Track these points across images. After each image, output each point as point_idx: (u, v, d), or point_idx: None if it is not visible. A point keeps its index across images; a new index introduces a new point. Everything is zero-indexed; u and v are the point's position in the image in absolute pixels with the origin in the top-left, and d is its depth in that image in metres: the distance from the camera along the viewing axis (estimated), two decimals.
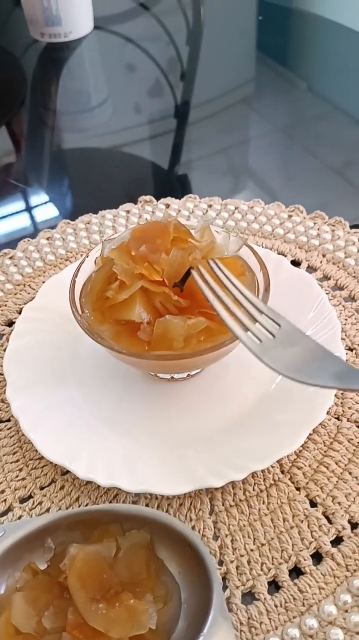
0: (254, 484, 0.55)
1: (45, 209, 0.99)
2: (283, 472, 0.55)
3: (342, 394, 0.65)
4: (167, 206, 0.89)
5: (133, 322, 0.52)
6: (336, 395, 0.64)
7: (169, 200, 0.90)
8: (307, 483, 0.54)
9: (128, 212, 0.89)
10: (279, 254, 0.81)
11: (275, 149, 1.05)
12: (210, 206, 0.89)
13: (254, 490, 0.54)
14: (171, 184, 1.05)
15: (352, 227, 0.85)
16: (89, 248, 0.82)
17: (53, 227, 0.87)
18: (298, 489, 0.54)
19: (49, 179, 1.08)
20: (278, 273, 0.73)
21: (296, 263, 0.80)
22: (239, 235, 0.65)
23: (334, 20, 1.37)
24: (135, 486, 0.51)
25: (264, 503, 0.53)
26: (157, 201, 0.90)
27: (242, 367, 0.65)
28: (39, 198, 1.02)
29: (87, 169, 1.11)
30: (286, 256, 0.80)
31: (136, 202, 0.90)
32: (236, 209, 0.88)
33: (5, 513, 0.54)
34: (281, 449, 0.56)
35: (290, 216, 0.86)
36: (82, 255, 0.82)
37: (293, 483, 0.54)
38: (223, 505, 0.54)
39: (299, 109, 1.16)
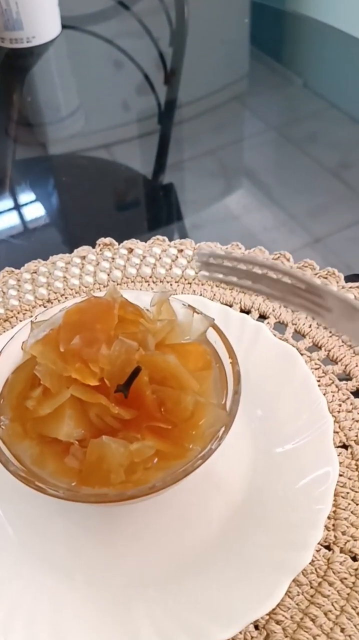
0: None
1: None
2: (256, 628, 0.42)
3: (334, 511, 0.52)
4: (130, 250, 0.75)
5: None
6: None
7: (131, 243, 0.76)
8: None
9: (83, 257, 0.75)
10: (260, 315, 0.67)
11: (268, 149, 1.00)
12: (180, 251, 0.75)
13: None
14: (154, 193, 0.95)
15: (347, 280, 0.71)
16: (32, 306, 0.68)
17: None
18: None
19: None
20: (255, 345, 0.59)
21: (280, 325, 0.66)
22: (203, 315, 0.51)
23: (326, 22, 1.24)
24: None
25: None
26: (119, 244, 0.76)
27: (209, 477, 0.52)
28: None
29: (48, 192, 0.97)
30: (267, 318, 0.66)
31: (93, 245, 0.76)
32: (210, 255, 0.74)
33: None
34: (253, 607, 0.43)
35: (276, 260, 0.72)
36: (25, 315, 0.68)
37: None
38: None
39: (294, 106, 1.10)
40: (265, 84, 1.16)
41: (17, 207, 0.93)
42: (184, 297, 0.62)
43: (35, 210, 0.93)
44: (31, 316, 0.53)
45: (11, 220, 0.91)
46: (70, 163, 1.04)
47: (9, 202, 0.94)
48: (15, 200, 0.95)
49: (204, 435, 0.44)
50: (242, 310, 0.68)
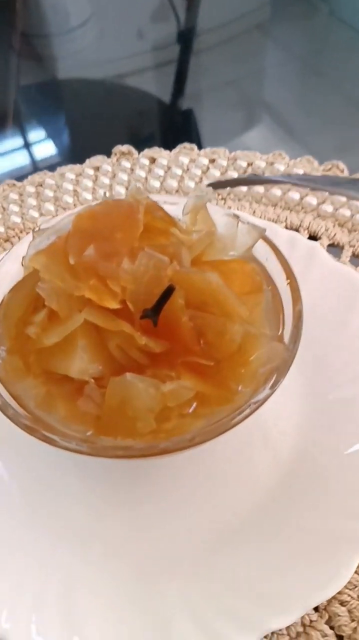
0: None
1: None
2: (316, 610, 0.37)
3: None
4: (152, 161, 0.63)
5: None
6: None
7: (154, 151, 0.64)
8: (354, 630, 0.34)
9: (97, 169, 0.63)
10: (309, 236, 0.56)
11: (292, 81, 0.92)
12: (212, 161, 0.63)
13: None
14: (169, 121, 0.85)
15: None
16: (37, 224, 0.57)
17: None
18: (340, 638, 0.35)
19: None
20: (309, 270, 0.49)
21: (334, 247, 0.55)
22: (251, 225, 0.40)
23: None
24: None
25: None
26: (139, 153, 0.64)
27: (254, 428, 0.42)
28: None
29: (56, 105, 0.84)
30: (319, 239, 0.55)
31: (109, 154, 0.64)
32: (249, 165, 0.62)
33: None
34: (315, 588, 0.34)
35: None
36: (28, 234, 0.57)
37: (332, 629, 0.35)
38: None
39: (320, 35, 1.05)
40: (289, 12, 1.08)
41: (21, 115, 0.81)
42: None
43: (41, 119, 0.80)
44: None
45: (13, 128, 0.78)
46: (82, 78, 0.91)
47: (26, 105, 0.83)
48: (29, 104, 0.83)
49: (256, 375, 0.34)
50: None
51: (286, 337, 0.36)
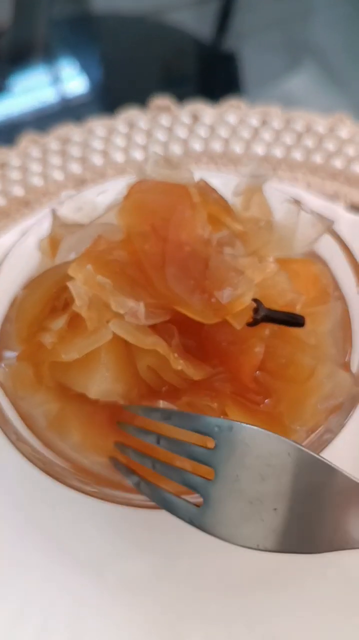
0: None
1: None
2: None
3: None
4: (195, 119, 0.55)
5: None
6: None
7: (197, 107, 0.56)
8: None
9: (131, 125, 0.55)
10: None
11: (342, 24, 0.81)
12: (264, 122, 0.55)
13: None
14: (210, 65, 0.75)
15: None
16: (60, 187, 0.51)
17: (9, 143, 0.55)
18: None
19: (15, 58, 0.73)
20: None
21: None
22: (317, 214, 0.32)
23: None
24: None
25: None
26: (179, 104, 0.56)
27: None
28: None
29: (88, 43, 0.75)
30: None
31: (144, 102, 0.56)
32: (308, 128, 0.54)
33: None
34: None
35: None
36: (50, 199, 0.51)
37: None
38: None
39: None
40: None
41: (50, 51, 0.72)
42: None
43: (71, 57, 0.72)
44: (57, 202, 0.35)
45: (40, 66, 0.70)
46: (118, 15, 0.81)
47: (40, 45, 0.73)
48: (48, 42, 0.74)
49: (317, 412, 0.28)
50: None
51: (356, 365, 0.29)
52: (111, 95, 0.70)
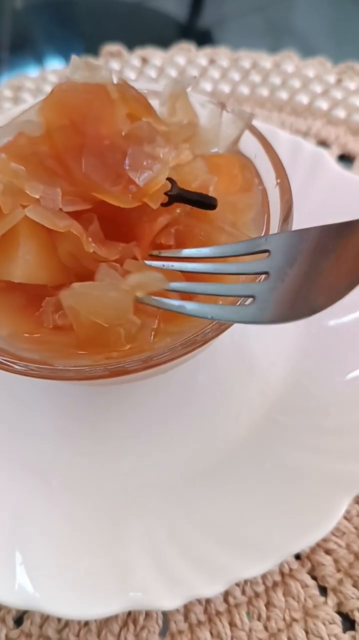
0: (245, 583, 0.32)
1: None
2: (297, 558, 0.33)
3: None
4: (144, 61, 0.56)
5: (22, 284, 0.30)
6: None
7: (147, 52, 0.56)
8: (340, 582, 0.30)
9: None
10: (318, 142, 0.49)
11: (325, 8, 0.80)
12: (212, 61, 0.55)
13: (243, 594, 0.33)
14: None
15: None
16: None
17: None
18: (323, 590, 0.32)
19: None
20: (313, 178, 0.42)
21: (346, 159, 0.48)
22: (237, 112, 0.33)
23: None
24: (20, 598, 0.30)
25: (259, 618, 0.31)
26: (130, 52, 0.57)
27: (240, 353, 0.37)
28: None
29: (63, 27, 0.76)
30: (329, 147, 0.48)
31: (96, 53, 0.57)
32: (254, 65, 0.55)
33: None
34: (297, 533, 0.30)
35: (339, 80, 0.52)
36: None
37: (314, 579, 0.32)
38: (185, 621, 0.28)
39: None
40: None
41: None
42: None
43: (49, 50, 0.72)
44: None
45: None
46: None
47: None
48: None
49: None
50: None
51: None
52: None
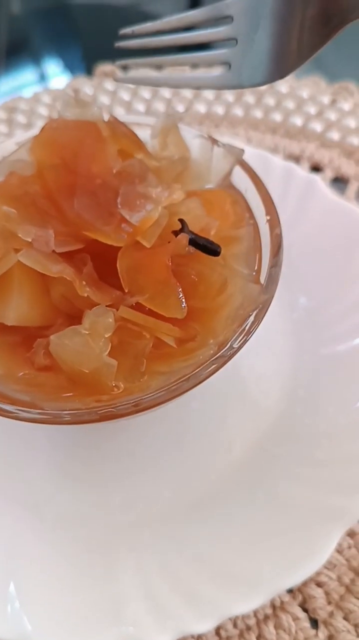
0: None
1: None
2: (289, 591, 0.33)
3: None
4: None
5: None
6: None
7: (141, 72, 0.56)
8: (331, 614, 0.30)
9: (76, 92, 0.56)
10: (311, 165, 0.49)
11: None
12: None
13: (235, 627, 0.33)
14: None
15: None
16: None
17: None
18: (314, 623, 0.32)
19: None
20: (304, 205, 0.42)
21: (339, 181, 0.48)
22: (228, 147, 0.33)
23: None
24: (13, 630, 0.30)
25: None
26: (125, 72, 0.57)
27: (232, 383, 0.37)
28: None
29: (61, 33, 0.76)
30: (322, 171, 0.48)
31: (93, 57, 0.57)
32: None
33: None
34: (288, 568, 0.30)
35: (333, 100, 0.53)
36: None
37: (305, 612, 0.32)
38: None
39: None
40: None
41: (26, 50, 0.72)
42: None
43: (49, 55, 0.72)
44: None
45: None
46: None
47: None
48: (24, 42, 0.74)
49: (226, 323, 0.29)
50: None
51: (263, 279, 0.30)
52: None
